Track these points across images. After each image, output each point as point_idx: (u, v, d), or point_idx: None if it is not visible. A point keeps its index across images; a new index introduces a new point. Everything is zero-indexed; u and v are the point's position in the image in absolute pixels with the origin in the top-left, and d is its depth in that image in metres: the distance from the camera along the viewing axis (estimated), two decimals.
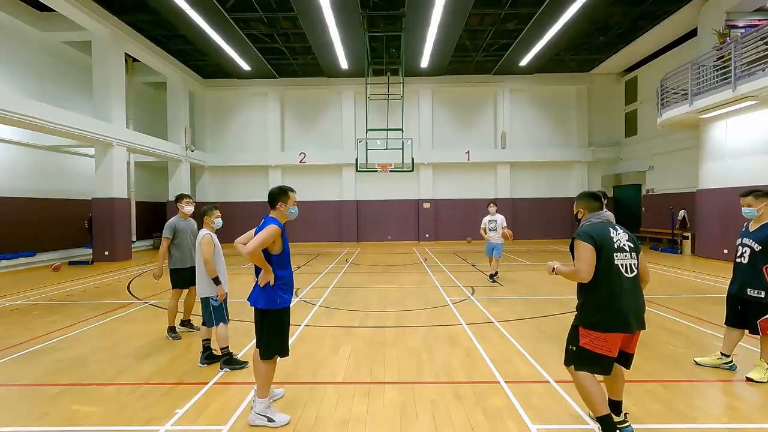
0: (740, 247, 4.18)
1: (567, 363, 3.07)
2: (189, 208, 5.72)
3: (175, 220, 5.67)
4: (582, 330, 2.94)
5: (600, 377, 3.02)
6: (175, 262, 5.68)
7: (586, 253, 2.88)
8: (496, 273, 10.22)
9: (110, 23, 13.76)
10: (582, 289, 3.01)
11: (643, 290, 3.01)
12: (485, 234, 10.15)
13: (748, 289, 4.06)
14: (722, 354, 4.36)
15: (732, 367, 4.31)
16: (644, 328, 2.94)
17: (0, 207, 12.78)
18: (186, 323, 6.07)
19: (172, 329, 5.76)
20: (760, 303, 3.98)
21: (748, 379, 4.04)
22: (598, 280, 2.88)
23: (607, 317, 2.85)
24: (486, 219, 10.25)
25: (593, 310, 2.90)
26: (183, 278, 5.72)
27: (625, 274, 2.88)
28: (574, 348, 2.98)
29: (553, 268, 3.10)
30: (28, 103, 11.08)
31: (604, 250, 2.87)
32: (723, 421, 3.35)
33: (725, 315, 4.36)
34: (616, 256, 2.88)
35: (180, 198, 5.72)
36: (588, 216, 3.12)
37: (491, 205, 10.37)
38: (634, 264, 2.94)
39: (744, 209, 4.17)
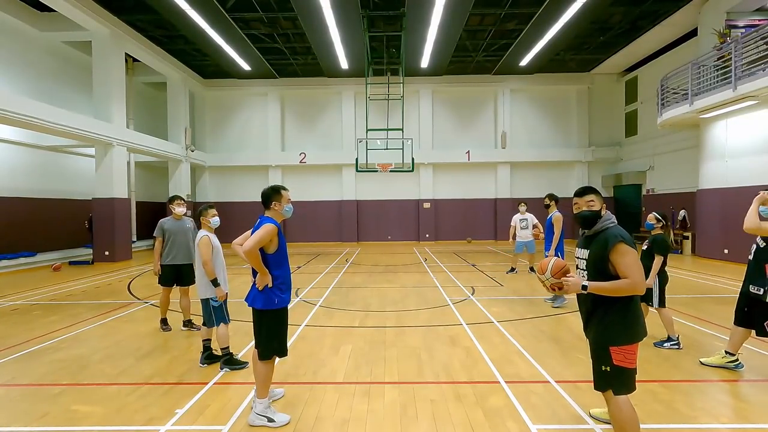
0: (753, 245, 4.14)
1: (602, 387, 2.69)
2: (179, 209, 5.94)
3: (165, 220, 5.97)
4: (613, 348, 2.59)
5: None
6: (163, 259, 5.95)
7: (638, 261, 2.57)
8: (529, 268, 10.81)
9: (110, 23, 13.75)
10: (606, 301, 2.61)
11: None
12: (516, 232, 10.33)
13: (750, 286, 4.02)
14: (727, 352, 4.32)
15: (738, 366, 4.27)
16: None
17: (0, 207, 12.79)
18: (187, 323, 6.12)
19: (164, 321, 6.06)
20: (761, 301, 3.95)
21: None
22: None
23: (637, 326, 2.61)
24: (517, 218, 10.37)
25: (629, 322, 2.59)
26: (168, 275, 5.96)
27: None
28: (609, 369, 2.60)
29: (584, 285, 2.59)
30: (28, 103, 11.07)
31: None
32: (723, 421, 3.35)
33: (734, 313, 4.31)
34: None
35: (171, 199, 5.99)
36: (609, 215, 2.74)
37: (522, 204, 10.46)
38: None
39: (761, 208, 4.08)
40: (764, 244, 3.97)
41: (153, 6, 12.89)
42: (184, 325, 6.12)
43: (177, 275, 5.97)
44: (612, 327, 2.60)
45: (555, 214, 7.32)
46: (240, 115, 21.57)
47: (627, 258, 2.53)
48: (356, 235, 21.13)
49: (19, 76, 13.47)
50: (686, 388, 3.97)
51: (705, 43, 13.43)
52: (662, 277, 4.98)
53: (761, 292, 3.93)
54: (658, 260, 4.87)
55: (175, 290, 6.08)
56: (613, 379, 2.62)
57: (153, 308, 7.54)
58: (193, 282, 5.86)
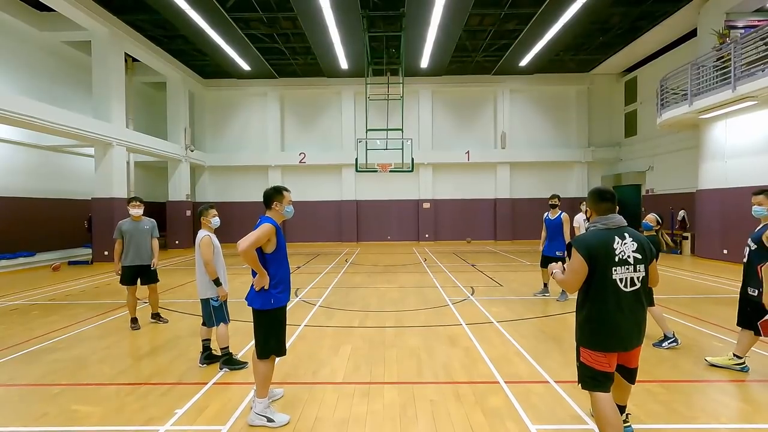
0: (745, 247, 4.16)
1: (578, 380, 2.91)
2: (134, 211, 6.13)
3: (123, 222, 6.15)
4: (581, 348, 2.82)
5: None
6: (122, 260, 6.13)
7: (575, 263, 2.72)
8: None
9: (110, 23, 13.75)
10: (578, 302, 2.87)
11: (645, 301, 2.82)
12: (579, 233, 9.91)
13: (748, 288, 4.08)
14: (735, 355, 4.32)
15: (744, 369, 4.27)
16: (641, 343, 2.80)
17: (0, 207, 12.78)
18: (155, 316, 6.49)
19: (133, 320, 6.20)
20: (758, 302, 3.97)
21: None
22: (591, 295, 2.72)
23: (602, 336, 2.71)
24: (581, 217, 9.80)
25: (588, 329, 2.76)
26: (127, 275, 6.13)
27: (623, 289, 2.68)
28: (578, 363, 2.86)
29: (554, 272, 3.03)
30: (28, 103, 11.06)
31: (600, 263, 2.66)
32: (723, 421, 3.36)
33: (737, 315, 4.30)
34: (615, 270, 2.67)
35: (129, 201, 6.20)
36: (595, 219, 2.86)
37: (584, 204, 10.13)
38: (638, 277, 2.71)
39: (754, 207, 4.07)
40: (754, 246, 4.02)
41: (153, 6, 12.87)
42: (152, 318, 6.47)
43: (137, 275, 6.18)
44: (579, 327, 2.85)
45: (564, 214, 7.92)
46: (240, 115, 21.56)
47: (571, 258, 2.80)
48: (356, 235, 21.12)
49: (19, 76, 13.46)
50: (685, 388, 3.97)
51: (704, 43, 13.43)
52: None
53: (756, 294, 3.99)
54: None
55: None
56: (579, 373, 2.86)
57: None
58: (155, 280, 6.29)
